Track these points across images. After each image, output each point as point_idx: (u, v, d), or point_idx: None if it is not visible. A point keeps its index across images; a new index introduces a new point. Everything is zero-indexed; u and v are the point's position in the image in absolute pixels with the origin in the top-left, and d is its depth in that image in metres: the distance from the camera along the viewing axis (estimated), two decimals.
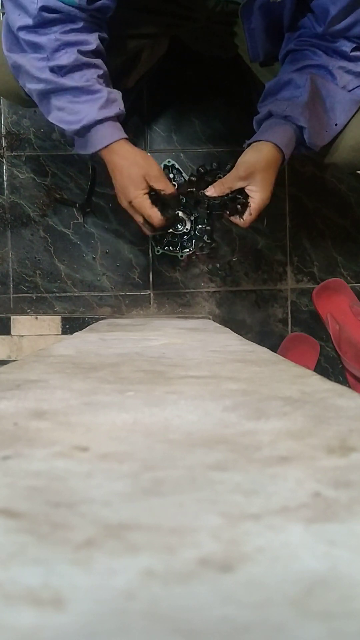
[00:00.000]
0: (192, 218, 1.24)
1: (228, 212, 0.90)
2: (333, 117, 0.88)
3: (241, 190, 0.88)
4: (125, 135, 0.87)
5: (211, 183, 0.91)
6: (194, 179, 0.94)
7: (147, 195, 0.88)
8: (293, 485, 0.21)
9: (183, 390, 0.37)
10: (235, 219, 0.90)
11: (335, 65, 0.87)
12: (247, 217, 0.89)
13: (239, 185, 0.87)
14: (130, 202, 0.89)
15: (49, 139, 1.33)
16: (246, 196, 0.88)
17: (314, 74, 0.87)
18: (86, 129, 0.85)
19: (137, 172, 0.87)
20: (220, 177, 0.90)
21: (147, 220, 0.90)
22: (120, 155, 0.87)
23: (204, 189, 0.90)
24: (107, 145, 0.86)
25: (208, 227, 0.93)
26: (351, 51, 0.86)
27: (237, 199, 0.89)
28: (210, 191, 0.89)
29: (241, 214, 0.89)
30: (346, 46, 0.86)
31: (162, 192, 0.88)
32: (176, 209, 0.92)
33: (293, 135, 0.87)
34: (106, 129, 0.86)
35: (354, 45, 0.86)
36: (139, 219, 0.91)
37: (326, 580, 0.15)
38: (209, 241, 0.99)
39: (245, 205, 0.88)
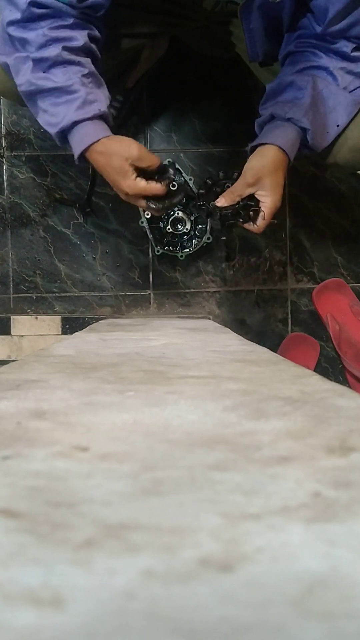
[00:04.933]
0: (192, 218, 1.25)
1: (241, 220, 0.89)
2: (334, 118, 0.88)
3: (251, 197, 0.88)
4: (106, 134, 0.84)
5: (220, 193, 0.89)
6: (202, 191, 0.92)
7: (138, 178, 0.85)
8: (293, 485, 0.21)
9: (183, 390, 0.37)
10: (249, 226, 0.89)
11: (337, 66, 0.87)
12: (261, 222, 0.88)
13: (248, 192, 0.87)
14: (126, 194, 0.87)
15: (49, 139, 1.33)
16: (257, 202, 0.88)
17: (316, 76, 0.87)
18: (66, 131, 0.84)
19: (118, 162, 0.84)
20: (228, 186, 0.89)
21: (151, 200, 0.88)
22: (99, 152, 0.84)
23: (213, 201, 0.90)
24: (89, 147, 0.84)
25: (223, 238, 0.92)
26: (351, 51, 0.86)
27: (249, 206, 0.88)
28: (221, 202, 0.87)
29: (254, 220, 0.89)
30: (346, 46, 0.86)
31: (150, 168, 0.86)
32: (169, 174, 0.90)
33: (297, 137, 0.87)
34: (84, 130, 0.84)
35: (354, 45, 0.86)
36: (142, 204, 0.89)
37: (326, 580, 0.15)
38: (226, 251, 0.98)
39: (257, 211, 0.88)
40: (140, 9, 0.96)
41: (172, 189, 0.89)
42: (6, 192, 1.33)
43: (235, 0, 0.91)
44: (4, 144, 1.33)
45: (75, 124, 0.83)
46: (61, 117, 0.83)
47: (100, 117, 0.85)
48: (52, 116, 0.84)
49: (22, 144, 1.33)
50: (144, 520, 0.18)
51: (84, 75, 0.83)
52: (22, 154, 1.33)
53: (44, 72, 0.82)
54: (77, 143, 0.85)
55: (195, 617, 0.13)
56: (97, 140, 0.84)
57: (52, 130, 0.85)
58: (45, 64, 0.82)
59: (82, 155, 0.86)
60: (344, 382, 1.34)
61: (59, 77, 0.82)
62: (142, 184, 0.85)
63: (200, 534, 0.17)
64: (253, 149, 0.89)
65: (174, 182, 0.90)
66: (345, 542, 0.17)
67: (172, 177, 0.89)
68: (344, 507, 0.19)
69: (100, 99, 0.85)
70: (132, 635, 0.13)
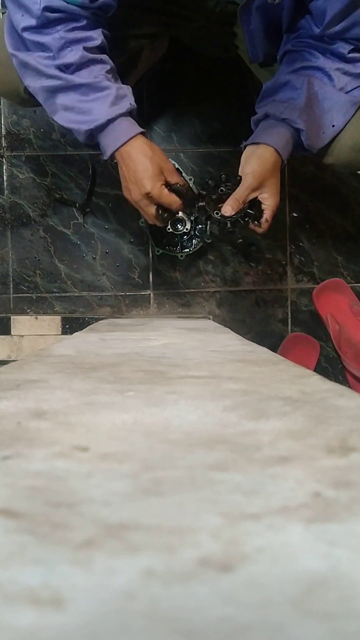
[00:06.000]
0: (192, 218, 1.24)
1: (248, 219, 0.90)
2: (330, 118, 0.89)
3: (253, 199, 0.89)
4: (142, 130, 0.87)
5: (216, 201, 0.90)
6: (202, 204, 0.93)
7: (164, 186, 0.88)
8: (293, 485, 0.21)
9: (183, 390, 0.37)
10: (255, 227, 0.91)
11: (333, 67, 0.88)
12: (265, 223, 0.90)
13: (252, 196, 0.88)
14: (147, 194, 0.88)
15: (49, 139, 1.33)
16: (259, 203, 0.89)
17: (311, 76, 0.88)
18: (99, 129, 0.85)
19: (155, 165, 0.86)
20: (222, 190, 0.90)
21: (163, 210, 0.90)
22: (138, 149, 0.86)
23: (214, 208, 0.90)
24: (126, 142, 0.85)
25: (240, 240, 0.95)
26: (349, 53, 0.87)
27: (253, 207, 0.89)
28: (228, 210, 0.87)
29: (257, 219, 0.90)
30: (344, 48, 0.87)
31: (179, 185, 0.89)
32: (187, 200, 0.92)
33: (290, 138, 0.88)
34: (119, 126, 0.85)
35: (352, 47, 0.86)
36: (151, 211, 0.91)
37: (326, 580, 0.15)
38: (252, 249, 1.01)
39: (260, 211, 0.89)
40: (141, 9, 0.96)
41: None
42: (6, 192, 1.33)
43: (235, 0, 0.91)
44: (4, 144, 1.33)
45: (110, 121, 0.84)
46: (94, 115, 0.83)
47: (131, 111, 0.86)
48: (79, 113, 0.84)
49: (22, 144, 1.33)
50: (144, 520, 0.18)
51: (107, 72, 0.85)
52: (22, 154, 1.33)
53: (70, 74, 0.83)
54: (113, 140, 0.86)
55: (195, 617, 0.13)
56: (134, 136, 0.85)
57: (83, 127, 0.85)
58: (71, 68, 0.82)
59: (113, 152, 0.87)
60: (344, 382, 1.34)
61: (85, 76, 0.83)
62: (166, 191, 0.88)
63: (200, 534, 0.17)
64: (247, 149, 0.90)
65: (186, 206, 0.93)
66: (345, 542, 0.17)
67: (191, 202, 0.92)
68: (344, 507, 0.19)
69: (128, 93, 0.87)
70: (132, 635, 0.13)
